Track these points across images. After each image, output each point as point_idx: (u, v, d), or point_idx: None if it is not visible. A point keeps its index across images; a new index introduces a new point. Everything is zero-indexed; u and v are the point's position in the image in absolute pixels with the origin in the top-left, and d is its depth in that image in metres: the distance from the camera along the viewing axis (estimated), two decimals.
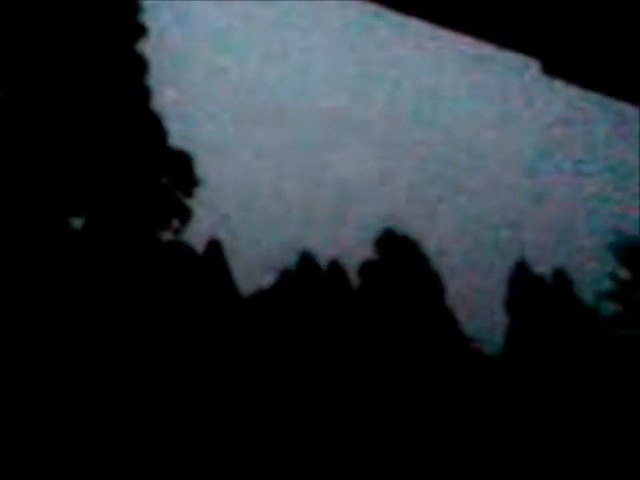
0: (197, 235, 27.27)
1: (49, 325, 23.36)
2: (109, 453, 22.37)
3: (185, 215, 26.62)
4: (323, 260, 29.09)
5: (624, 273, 28.72)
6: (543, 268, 29.73)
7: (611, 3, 2.81)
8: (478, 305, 29.63)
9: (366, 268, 29.34)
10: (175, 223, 26.48)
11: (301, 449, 24.42)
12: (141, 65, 26.64)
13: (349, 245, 29.85)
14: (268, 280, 28.42)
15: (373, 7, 2.81)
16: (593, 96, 3.07)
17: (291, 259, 28.91)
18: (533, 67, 2.92)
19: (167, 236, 26.46)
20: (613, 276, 28.73)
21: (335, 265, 29.08)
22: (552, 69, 2.92)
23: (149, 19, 27.19)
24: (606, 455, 24.83)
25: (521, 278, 29.51)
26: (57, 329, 23.37)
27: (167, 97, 27.34)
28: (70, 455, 22.03)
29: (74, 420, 22.68)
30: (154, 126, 26.48)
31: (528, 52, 2.87)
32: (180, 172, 26.65)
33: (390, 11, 2.67)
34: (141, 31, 26.80)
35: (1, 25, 25.65)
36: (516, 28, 2.82)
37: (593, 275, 29.33)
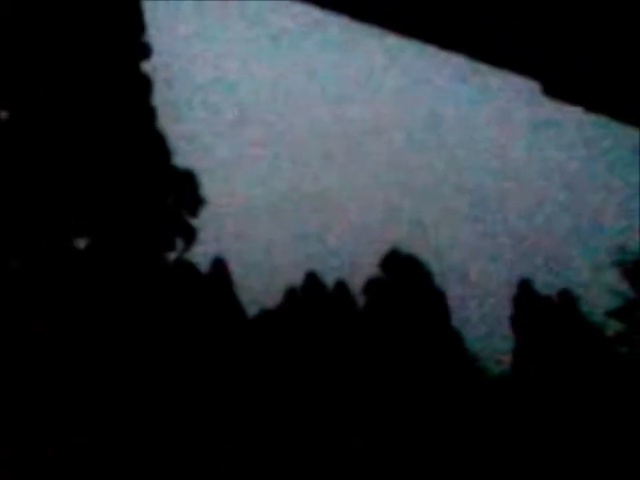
0: (202, 254, 27.26)
1: (52, 339, 23.36)
2: (108, 453, 22.32)
3: (190, 235, 26.60)
4: (329, 279, 29.06)
5: (628, 290, 28.64)
6: (548, 286, 29.68)
7: (611, 23, 2.80)
8: (484, 323, 29.58)
9: (371, 287, 29.30)
10: (180, 242, 26.46)
11: (301, 449, 24.37)
12: (145, 85, 26.69)
13: (355, 264, 29.83)
14: (274, 299, 28.39)
15: (370, 29, 2.80)
16: (595, 117, 3.06)
17: (296, 278, 28.89)
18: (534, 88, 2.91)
19: (172, 256, 26.44)
20: (617, 293, 28.64)
21: (340, 284, 29.04)
22: (552, 90, 2.91)
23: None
24: (612, 470, 24.74)
25: (526, 297, 29.45)
26: (61, 342, 23.36)
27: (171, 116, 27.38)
28: (70, 454, 21.99)
29: (74, 420, 22.62)
30: (159, 145, 26.50)
31: (528, 73, 2.86)
32: (185, 192, 26.65)
33: (389, 33, 2.66)
34: (145, 51, 26.85)
35: (9, 47, 25.71)
36: (516, 50, 2.82)
37: (598, 292, 29.27)
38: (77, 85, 25.72)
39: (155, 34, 27.47)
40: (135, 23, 26.85)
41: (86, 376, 23.20)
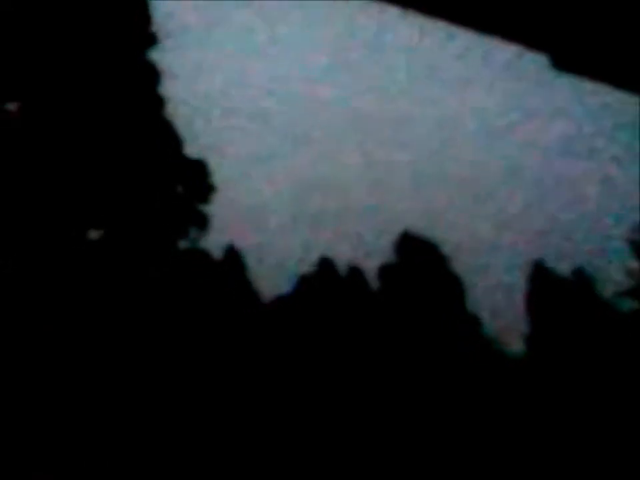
0: (215, 241, 27.27)
1: (63, 333, 23.39)
2: (108, 452, 22.38)
3: (203, 223, 26.61)
4: (342, 264, 29.03)
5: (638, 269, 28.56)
6: (563, 266, 29.60)
7: None
8: (499, 304, 29.53)
9: (385, 271, 29.27)
10: (193, 230, 26.46)
11: (301, 449, 24.41)
12: (154, 74, 26.66)
13: (368, 248, 29.80)
14: (287, 285, 28.40)
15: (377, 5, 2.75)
16: (609, 90, 3.00)
17: (309, 264, 28.88)
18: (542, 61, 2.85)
19: (185, 244, 26.45)
20: (629, 272, 28.55)
21: (354, 269, 29.02)
22: (562, 62, 2.85)
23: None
24: (630, 453, 24.71)
25: (541, 277, 29.38)
26: (71, 336, 23.39)
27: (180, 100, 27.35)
28: (70, 455, 22.06)
29: (74, 420, 22.65)
30: (168, 134, 26.49)
31: (536, 46, 2.80)
32: (195, 179, 26.65)
33: (391, 6, 2.61)
34: (153, 39, 26.82)
35: (16, 38, 25.72)
36: (524, 21, 2.76)
37: (613, 271, 29.19)
38: (85, 76, 25.72)
39: (166, 23, 27.45)
40: (142, 11, 26.83)
41: (89, 372, 23.17)
